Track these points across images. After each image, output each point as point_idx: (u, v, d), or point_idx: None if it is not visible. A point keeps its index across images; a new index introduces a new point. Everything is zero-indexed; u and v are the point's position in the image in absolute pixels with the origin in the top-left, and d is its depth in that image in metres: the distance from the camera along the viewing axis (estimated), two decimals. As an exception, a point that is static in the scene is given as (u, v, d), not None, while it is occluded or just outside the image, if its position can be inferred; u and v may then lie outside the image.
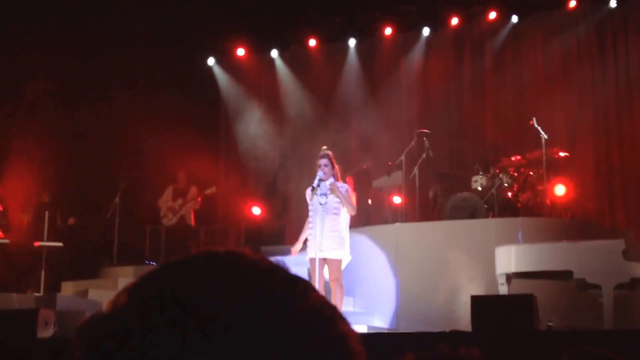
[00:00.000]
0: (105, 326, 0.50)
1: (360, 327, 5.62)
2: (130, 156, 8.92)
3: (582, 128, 8.86)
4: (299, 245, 5.25)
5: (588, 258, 4.73)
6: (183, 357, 0.47)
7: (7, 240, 7.56)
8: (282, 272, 0.54)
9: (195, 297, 0.50)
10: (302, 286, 0.53)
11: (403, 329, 6.08)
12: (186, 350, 0.48)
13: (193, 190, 8.63)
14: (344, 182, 5.50)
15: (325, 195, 5.07)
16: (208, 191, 8.57)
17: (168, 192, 8.66)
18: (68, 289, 7.78)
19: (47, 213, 7.81)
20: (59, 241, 7.77)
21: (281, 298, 0.51)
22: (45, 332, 4.92)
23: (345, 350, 0.52)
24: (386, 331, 6.09)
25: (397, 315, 6.36)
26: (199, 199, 8.61)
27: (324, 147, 6.37)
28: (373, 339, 4.40)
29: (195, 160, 9.26)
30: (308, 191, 5.22)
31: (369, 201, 8.37)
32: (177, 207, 8.50)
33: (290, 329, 0.50)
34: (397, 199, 7.87)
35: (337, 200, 5.09)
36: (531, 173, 7.66)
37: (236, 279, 0.52)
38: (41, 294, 7.20)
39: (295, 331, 0.50)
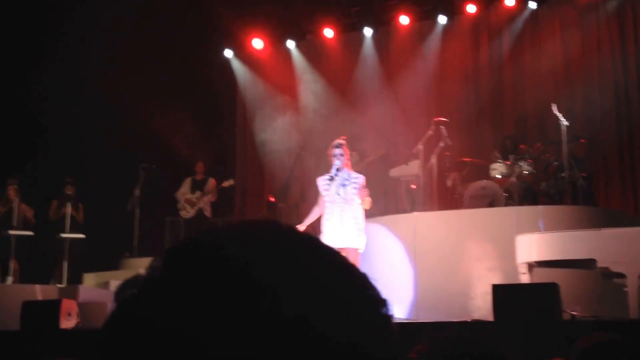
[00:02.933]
0: (140, 288, 0.50)
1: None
2: (150, 148, 8.98)
3: (603, 115, 8.70)
4: (302, 227, 5.23)
5: (612, 246, 4.64)
6: (219, 323, 0.46)
7: (30, 233, 7.68)
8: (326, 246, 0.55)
9: (240, 261, 0.49)
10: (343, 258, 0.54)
11: (422, 319, 6.04)
12: (223, 318, 0.46)
13: (211, 182, 8.66)
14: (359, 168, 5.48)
15: (344, 185, 5.05)
16: (226, 183, 8.62)
17: (186, 184, 8.71)
18: (90, 280, 7.89)
19: (69, 205, 7.91)
20: (81, 233, 7.87)
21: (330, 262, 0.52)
22: (68, 323, 4.99)
23: (390, 332, 0.52)
24: (406, 320, 6.06)
25: (416, 306, 6.33)
26: (215, 192, 8.66)
27: (343, 138, 6.38)
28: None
29: (213, 151, 9.30)
30: (320, 181, 5.18)
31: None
32: (195, 199, 8.56)
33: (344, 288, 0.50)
34: (415, 188, 7.81)
35: (355, 188, 5.07)
36: (552, 160, 7.55)
37: (284, 247, 0.51)
38: (64, 285, 7.30)
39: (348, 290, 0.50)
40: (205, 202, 8.61)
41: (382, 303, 0.52)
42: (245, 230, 0.52)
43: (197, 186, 8.65)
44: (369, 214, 5.77)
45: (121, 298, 0.50)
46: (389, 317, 0.52)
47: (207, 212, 8.67)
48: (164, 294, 0.48)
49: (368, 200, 5.13)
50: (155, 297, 0.48)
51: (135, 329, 0.48)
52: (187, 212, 8.61)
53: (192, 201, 8.60)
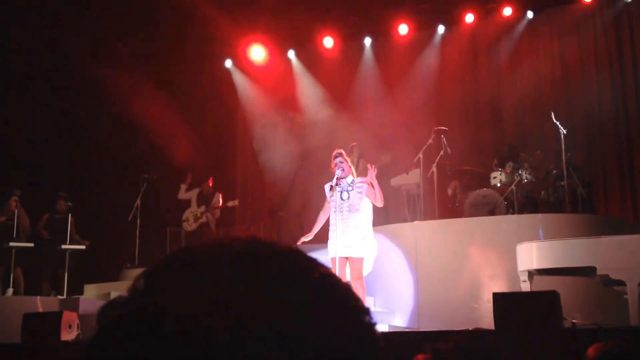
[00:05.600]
0: (122, 309, 0.50)
1: (381, 327, 5.61)
2: (151, 158, 9.01)
3: (602, 122, 8.74)
4: (310, 236, 5.24)
5: (612, 253, 4.65)
6: (201, 342, 0.46)
7: (31, 244, 7.68)
8: (313, 262, 0.54)
9: (217, 283, 0.49)
10: (332, 277, 0.54)
11: (424, 328, 6.04)
12: (205, 336, 0.47)
13: (217, 197, 8.70)
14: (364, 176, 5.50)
15: (347, 192, 5.07)
16: (230, 203, 8.70)
17: (194, 197, 8.73)
18: (91, 291, 7.88)
19: (70, 216, 7.91)
20: (81, 244, 7.88)
21: (308, 280, 0.52)
22: (69, 335, 4.98)
23: (374, 341, 0.52)
24: (407, 330, 6.05)
25: (418, 314, 6.32)
26: (220, 205, 8.69)
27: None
28: (394, 337, 4.38)
29: (213, 160, 9.32)
30: (326, 187, 5.20)
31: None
32: (198, 214, 8.59)
33: (319, 309, 0.49)
34: (416, 197, 7.82)
35: (359, 196, 5.08)
36: (551, 168, 7.57)
37: (263, 262, 0.51)
38: (64, 296, 7.29)
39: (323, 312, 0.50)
40: (209, 217, 8.63)
41: (365, 312, 0.52)
42: (224, 248, 0.52)
43: (203, 200, 8.68)
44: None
45: (103, 320, 0.50)
46: (372, 326, 0.52)
47: (212, 226, 8.68)
48: (146, 316, 0.48)
49: (381, 197, 5.09)
50: (137, 318, 0.48)
51: (118, 351, 0.48)
52: (189, 225, 8.63)
53: (195, 215, 8.63)
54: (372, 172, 5.07)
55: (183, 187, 8.74)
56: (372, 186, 5.08)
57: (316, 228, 5.25)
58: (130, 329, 0.48)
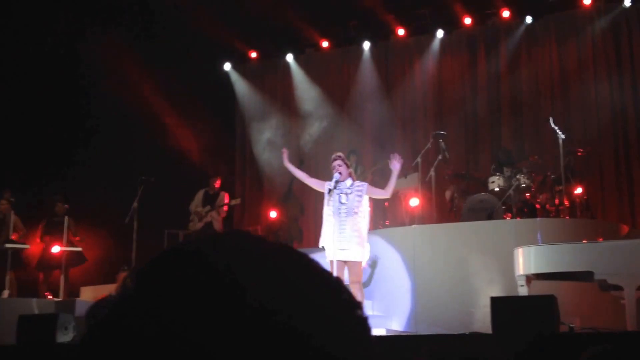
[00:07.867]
0: (111, 309, 0.50)
1: (378, 330, 5.59)
2: (149, 160, 8.99)
3: (600, 127, 8.76)
4: (285, 158, 5.41)
5: (609, 258, 4.65)
6: (190, 344, 0.46)
7: (27, 246, 7.66)
8: (300, 255, 0.54)
9: (208, 283, 0.48)
10: (320, 268, 0.53)
11: (421, 332, 6.03)
12: (194, 337, 0.46)
13: (223, 196, 8.70)
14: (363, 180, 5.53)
15: (346, 195, 5.08)
16: (233, 202, 8.72)
17: (199, 197, 8.74)
18: (87, 294, 7.86)
19: (66, 218, 7.89)
20: (78, 246, 7.86)
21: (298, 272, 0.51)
22: (65, 337, 4.96)
23: (365, 335, 0.51)
24: (404, 334, 6.05)
25: (415, 319, 6.31)
26: (225, 207, 8.69)
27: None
28: (391, 341, 4.37)
29: (212, 163, 9.32)
30: (326, 189, 5.21)
31: (386, 203, 8.35)
32: (203, 213, 8.59)
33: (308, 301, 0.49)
34: (414, 201, 7.81)
35: (358, 199, 5.09)
36: (549, 173, 7.58)
37: (254, 254, 0.51)
38: (60, 299, 7.27)
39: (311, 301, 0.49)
40: (214, 216, 8.62)
41: (357, 306, 0.52)
42: (215, 246, 0.52)
43: (209, 200, 8.68)
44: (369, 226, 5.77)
45: (92, 320, 0.50)
46: (364, 320, 0.52)
47: (217, 226, 8.67)
48: (134, 314, 0.48)
49: (391, 186, 5.13)
50: (126, 317, 0.48)
51: (106, 353, 0.48)
52: (194, 225, 8.65)
53: (200, 214, 8.63)
54: (396, 164, 5.13)
55: (200, 193, 8.67)
56: (382, 187, 5.14)
57: (291, 166, 5.30)
58: (119, 329, 0.48)
